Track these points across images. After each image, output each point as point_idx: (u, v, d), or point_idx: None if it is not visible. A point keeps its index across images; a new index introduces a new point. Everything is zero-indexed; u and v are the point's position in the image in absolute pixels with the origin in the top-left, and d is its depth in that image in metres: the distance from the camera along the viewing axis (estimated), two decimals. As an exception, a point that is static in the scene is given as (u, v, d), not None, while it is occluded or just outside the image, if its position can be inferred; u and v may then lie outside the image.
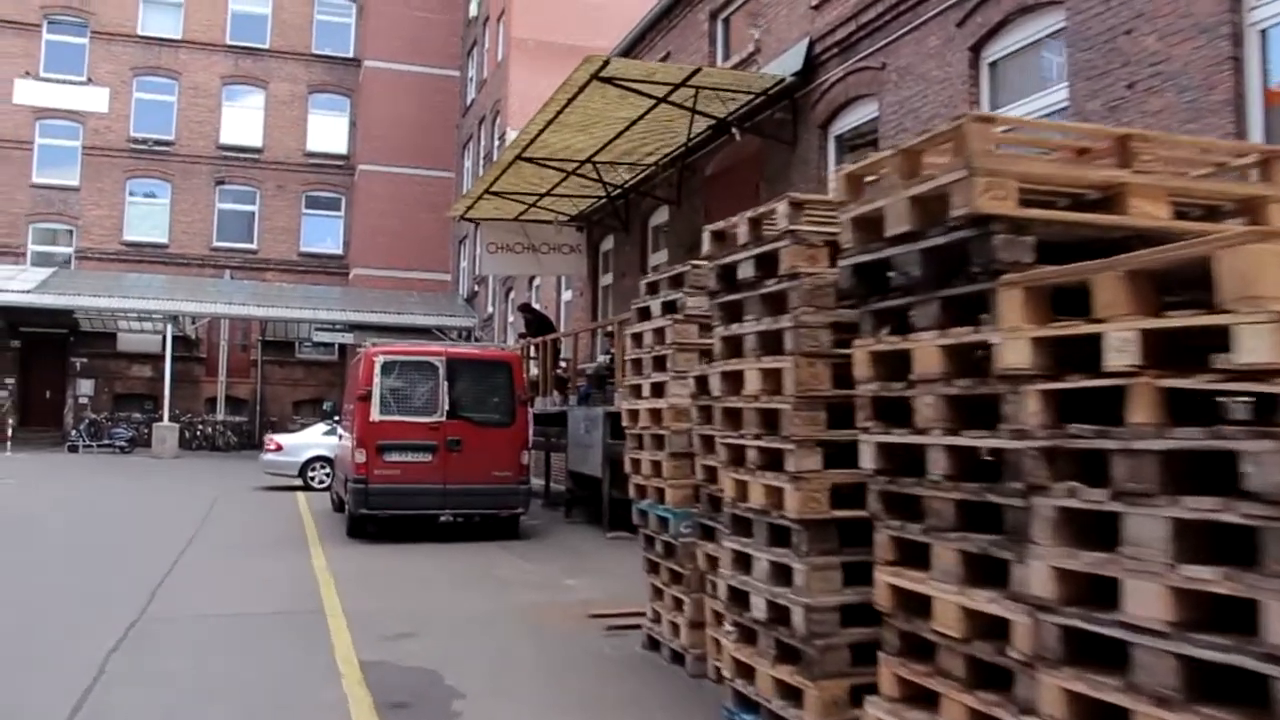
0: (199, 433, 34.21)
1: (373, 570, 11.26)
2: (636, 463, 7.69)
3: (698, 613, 6.83)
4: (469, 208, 20.49)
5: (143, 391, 35.30)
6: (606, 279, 21.54)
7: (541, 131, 15.62)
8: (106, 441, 31.50)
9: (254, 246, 37.94)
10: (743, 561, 5.50)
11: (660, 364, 7.33)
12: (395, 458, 13.34)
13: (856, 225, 4.53)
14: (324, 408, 28.30)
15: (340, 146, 38.79)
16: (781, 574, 5.06)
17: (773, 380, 5.17)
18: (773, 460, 5.19)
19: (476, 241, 29.68)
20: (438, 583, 10.55)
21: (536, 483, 20.28)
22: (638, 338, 7.77)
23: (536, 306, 21.92)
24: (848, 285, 4.60)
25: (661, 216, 18.84)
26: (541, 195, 19.51)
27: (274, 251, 38.08)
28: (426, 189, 36.89)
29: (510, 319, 27.99)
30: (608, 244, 21.34)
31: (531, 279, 25.89)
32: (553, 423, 17.16)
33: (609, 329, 18.53)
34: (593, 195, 19.78)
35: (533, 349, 18.80)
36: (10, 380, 34.63)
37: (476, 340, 31.03)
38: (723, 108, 14.52)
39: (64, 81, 35.71)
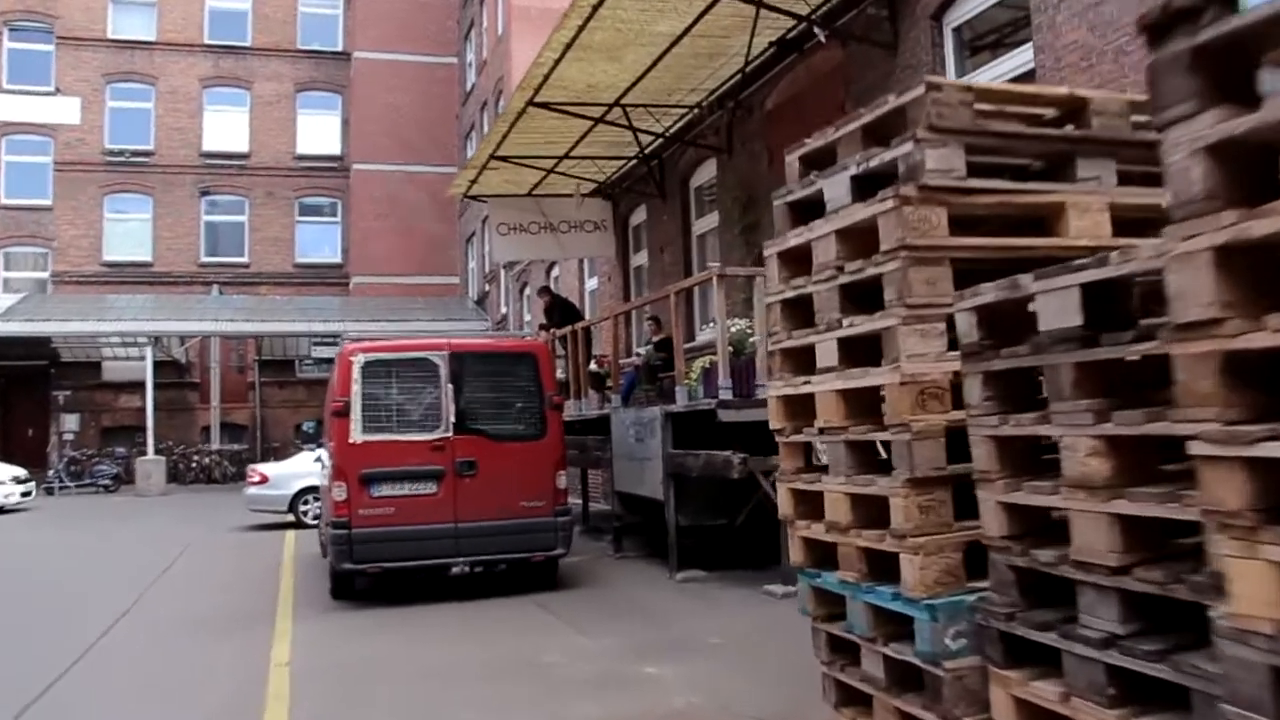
0: (193, 465, 30.35)
1: (353, 663, 7.43)
2: (808, 498, 3.88)
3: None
4: (473, 181, 16.72)
5: (133, 423, 31.24)
6: (639, 258, 17.75)
7: (559, 60, 11.87)
8: (88, 481, 27.70)
9: (245, 260, 34.18)
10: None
11: (860, 298, 3.53)
12: (386, 491, 9.54)
13: None
14: (304, 429, 24.06)
15: (333, 147, 35.03)
16: None
17: None
18: None
19: (485, 237, 25.94)
20: (448, 685, 6.73)
21: (573, 501, 16.51)
22: (792, 258, 3.97)
23: (560, 292, 18.14)
24: None
25: (707, 173, 15.07)
26: (559, 159, 15.76)
27: (267, 264, 34.31)
28: (428, 187, 33.10)
29: (527, 317, 24.21)
30: (639, 216, 17.55)
31: (550, 267, 22.11)
32: (591, 430, 13.36)
33: (650, 314, 14.74)
34: (621, 155, 16.02)
35: (558, 344, 15.00)
36: (-13, 419, 30.98)
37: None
38: (804, 3, 10.74)
39: (30, 93, 31.99)
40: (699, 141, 14.42)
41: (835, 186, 3.65)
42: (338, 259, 35.05)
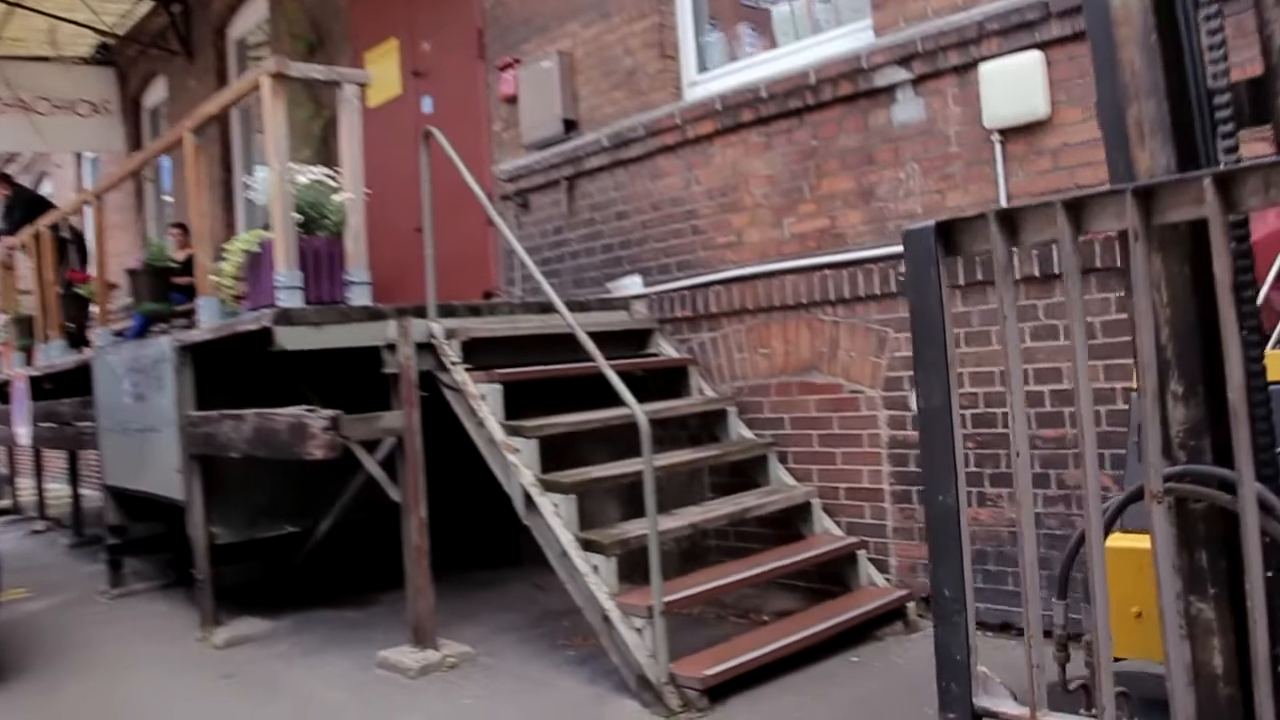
0: None
1: None
2: None
3: None
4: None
5: None
6: (160, 153, 12.30)
7: None
8: None
9: None
10: None
11: None
12: None
13: None
14: None
15: None
16: None
17: None
18: None
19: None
20: None
21: (56, 491, 10.94)
22: None
23: (23, 182, 12.31)
24: None
25: (254, 17, 10.13)
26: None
27: None
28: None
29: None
30: (157, 93, 12.11)
31: (39, 180, 15.77)
32: (71, 388, 8.09)
33: (174, 220, 9.65)
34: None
35: (19, 254, 9.41)
36: None
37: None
38: None
39: None
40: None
41: None
42: None
